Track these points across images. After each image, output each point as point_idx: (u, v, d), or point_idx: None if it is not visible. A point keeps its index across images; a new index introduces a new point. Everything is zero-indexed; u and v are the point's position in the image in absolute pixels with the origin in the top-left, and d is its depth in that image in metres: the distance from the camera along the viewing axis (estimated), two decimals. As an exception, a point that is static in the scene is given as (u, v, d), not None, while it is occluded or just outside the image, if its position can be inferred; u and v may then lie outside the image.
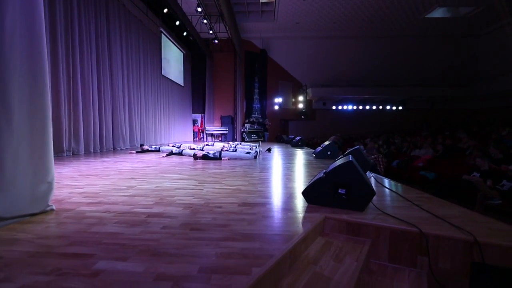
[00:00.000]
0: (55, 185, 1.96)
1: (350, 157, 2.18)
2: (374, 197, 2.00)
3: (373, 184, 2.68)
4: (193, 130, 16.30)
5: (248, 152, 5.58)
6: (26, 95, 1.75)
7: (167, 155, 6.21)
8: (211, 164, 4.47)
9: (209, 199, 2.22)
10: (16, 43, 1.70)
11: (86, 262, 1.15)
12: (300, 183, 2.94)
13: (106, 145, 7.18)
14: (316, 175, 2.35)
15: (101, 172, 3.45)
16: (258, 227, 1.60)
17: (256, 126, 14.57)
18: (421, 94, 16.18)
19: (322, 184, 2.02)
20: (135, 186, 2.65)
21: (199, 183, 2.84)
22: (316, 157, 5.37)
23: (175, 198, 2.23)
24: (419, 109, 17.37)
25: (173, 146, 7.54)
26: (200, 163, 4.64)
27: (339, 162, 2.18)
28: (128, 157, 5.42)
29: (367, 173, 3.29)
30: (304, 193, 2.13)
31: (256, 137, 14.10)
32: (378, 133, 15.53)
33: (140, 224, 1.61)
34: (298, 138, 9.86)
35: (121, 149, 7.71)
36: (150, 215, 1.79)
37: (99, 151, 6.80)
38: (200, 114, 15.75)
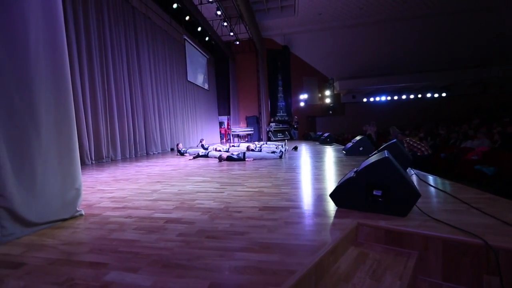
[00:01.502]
0: (83, 191, 2.04)
1: (386, 153, 1.86)
2: (419, 199, 1.67)
3: (415, 183, 2.26)
4: (220, 132, 16.67)
5: (273, 152, 5.41)
6: (52, 104, 1.84)
7: (194, 157, 6.36)
8: (235, 166, 4.40)
9: (229, 202, 2.11)
10: (40, 57, 1.79)
11: (98, 273, 1.11)
12: (329, 184, 2.68)
13: (139, 150, 7.66)
14: (346, 174, 2.09)
15: (132, 176, 3.60)
16: (279, 235, 1.44)
17: (281, 125, 14.29)
18: (470, 77, 14.17)
19: (353, 185, 1.77)
20: (159, 190, 2.67)
21: (221, 185, 2.77)
22: (346, 154, 4.96)
23: (196, 202, 2.18)
24: (467, 94, 15.27)
25: (202, 146, 7.66)
26: (225, 165, 4.61)
27: (373, 159, 1.88)
28: (158, 161, 5.67)
29: (408, 170, 2.88)
30: (332, 195, 1.90)
31: (282, 136, 13.82)
32: (418, 124, 14.03)
33: (157, 231, 1.56)
34: (326, 134, 9.35)
35: (153, 153, 8.16)
36: (168, 220, 1.74)
37: (134, 156, 7.28)
38: (226, 116, 16.03)
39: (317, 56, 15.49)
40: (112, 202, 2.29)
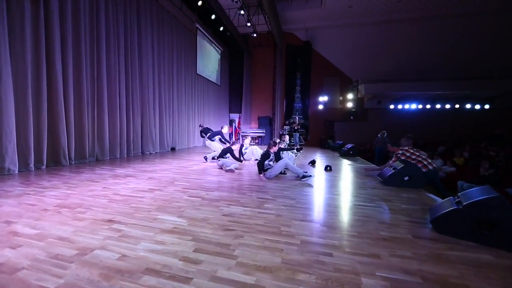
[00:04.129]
0: None
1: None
2: None
3: None
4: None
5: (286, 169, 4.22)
6: None
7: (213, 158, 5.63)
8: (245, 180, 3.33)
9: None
10: None
11: None
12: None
13: (134, 149, 6.77)
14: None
15: (83, 201, 2.61)
16: None
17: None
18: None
19: (460, 216, 1.86)
20: (91, 248, 1.63)
21: (189, 238, 1.68)
22: (385, 183, 3.72)
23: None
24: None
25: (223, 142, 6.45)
26: (225, 182, 3.55)
27: (475, 193, 1.92)
28: (149, 167, 4.69)
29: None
30: (434, 221, 2.00)
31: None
32: (452, 139, 12.27)
33: None
34: (349, 146, 8.03)
35: (150, 153, 7.26)
36: None
37: (126, 156, 6.40)
38: (238, 114, 14.98)
39: (341, 55, 14.00)
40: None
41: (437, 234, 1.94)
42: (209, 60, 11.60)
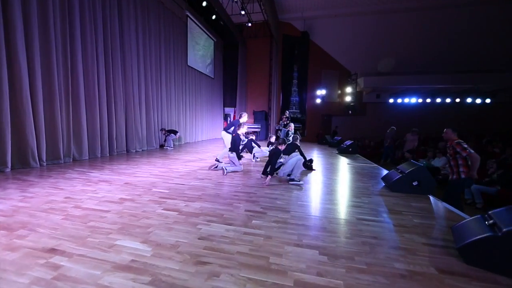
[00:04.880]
0: None
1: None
2: None
3: None
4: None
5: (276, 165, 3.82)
6: None
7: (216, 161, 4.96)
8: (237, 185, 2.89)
9: None
10: None
11: None
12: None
13: (118, 147, 6.27)
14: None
15: (27, 221, 2.16)
16: None
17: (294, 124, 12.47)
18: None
19: (497, 246, 1.46)
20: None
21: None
22: (391, 188, 3.32)
23: None
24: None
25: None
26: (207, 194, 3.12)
27: None
28: (129, 170, 4.22)
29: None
30: (463, 250, 1.58)
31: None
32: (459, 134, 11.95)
33: None
34: (348, 142, 7.62)
35: (136, 151, 6.77)
36: None
37: (108, 154, 5.90)
38: (233, 108, 14.44)
39: (340, 46, 13.44)
40: None
41: (467, 266, 1.55)
42: (202, 52, 10.97)
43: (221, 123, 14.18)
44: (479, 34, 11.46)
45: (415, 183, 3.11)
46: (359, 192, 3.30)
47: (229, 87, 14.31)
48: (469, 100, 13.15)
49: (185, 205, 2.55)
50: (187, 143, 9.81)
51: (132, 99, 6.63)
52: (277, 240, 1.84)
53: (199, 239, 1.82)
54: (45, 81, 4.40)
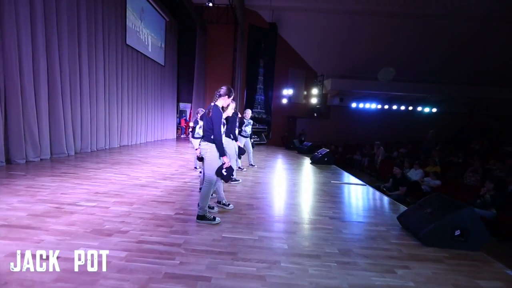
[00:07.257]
0: None
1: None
2: None
3: None
4: (180, 125, 12.97)
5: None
6: None
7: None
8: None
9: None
10: None
11: None
12: None
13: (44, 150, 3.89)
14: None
15: None
16: None
17: (258, 124, 11.21)
18: (462, 94, 12.97)
19: None
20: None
21: None
22: (424, 243, 2.21)
23: None
24: (455, 112, 14.34)
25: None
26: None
27: None
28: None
29: None
30: None
31: (258, 139, 10.87)
32: (405, 140, 12.55)
33: None
34: (323, 151, 6.66)
35: (26, 161, 4.43)
36: None
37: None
38: (189, 104, 12.39)
39: (308, 44, 12.72)
40: None
41: None
42: (149, 30, 8.71)
43: (174, 121, 12.00)
44: (433, 47, 12.12)
45: (457, 233, 2.07)
46: (386, 257, 2.03)
47: (185, 78, 12.20)
48: (419, 108, 14.09)
49: None
50: (123, 146, 7.54)
51: (55, 90, 4.23)
52: None
53: None
54: None
